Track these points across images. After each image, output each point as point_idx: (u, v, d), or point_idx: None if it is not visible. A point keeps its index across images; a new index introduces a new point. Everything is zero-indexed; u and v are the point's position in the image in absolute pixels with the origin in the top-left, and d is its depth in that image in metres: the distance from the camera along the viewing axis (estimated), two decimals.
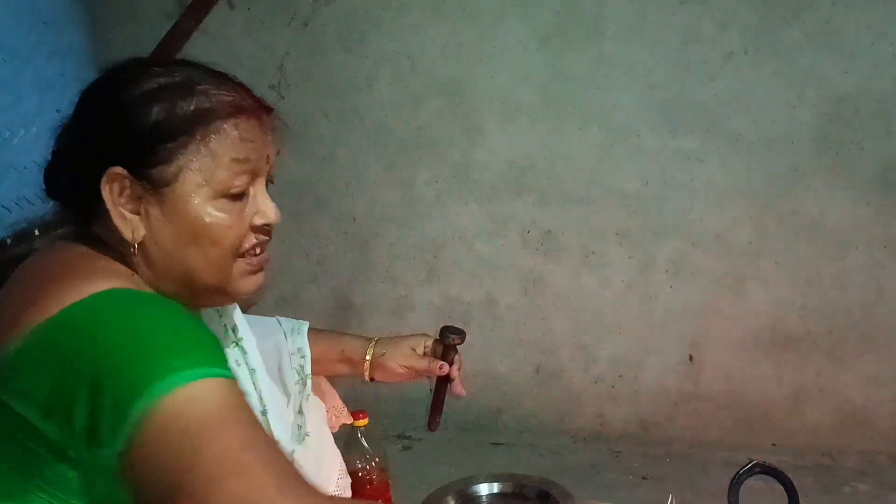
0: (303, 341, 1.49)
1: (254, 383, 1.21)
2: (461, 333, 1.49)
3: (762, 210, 2.68)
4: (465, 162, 2.86)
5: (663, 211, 2.74)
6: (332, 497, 0.79)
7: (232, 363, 1.18)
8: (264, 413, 1.20)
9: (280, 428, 1.22)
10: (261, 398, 1.20)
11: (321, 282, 3.02)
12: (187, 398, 0.79)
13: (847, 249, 2.64)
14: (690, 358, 2.80)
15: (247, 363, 1.21)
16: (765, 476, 1.48)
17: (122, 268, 0.96)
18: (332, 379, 1.63)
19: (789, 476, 1.47)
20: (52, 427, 0.82)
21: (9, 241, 1.03)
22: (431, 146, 2.87)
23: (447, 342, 1.48)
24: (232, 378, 0.84)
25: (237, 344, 1.22)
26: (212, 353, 0.84)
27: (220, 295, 1.03)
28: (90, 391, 0.80)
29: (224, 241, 0.98)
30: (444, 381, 1.49)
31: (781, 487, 1.48)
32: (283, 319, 1.54)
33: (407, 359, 1.48)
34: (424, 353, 1.50)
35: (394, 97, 2.87)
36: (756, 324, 2.73)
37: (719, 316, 2.76)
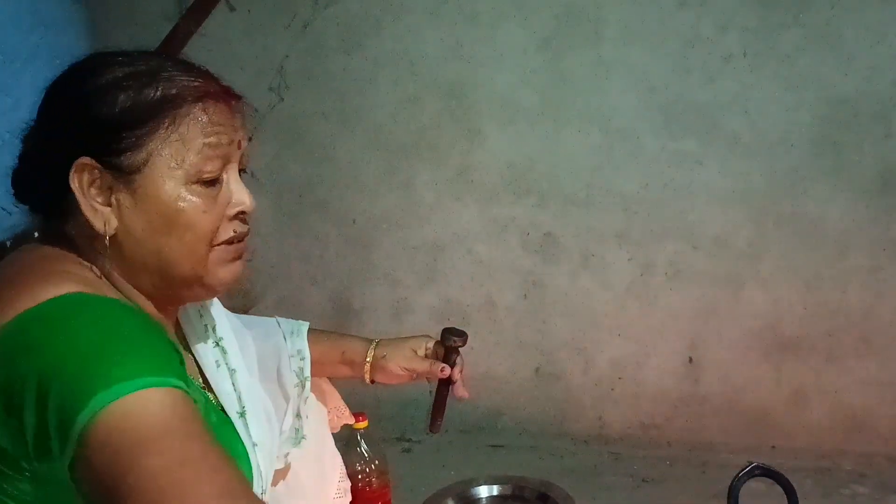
0: (302, 343, 1.47)
1: (233, 384, 1.18)
2: (463, 335, 1.47)
3: (761, 212, 2.68)
4: (464, 164, 2.86)
5: (663, 213, 2.74)
6: None
7: (211, 363, 1.16)
8: (242, 415, 1.16)
9: (261, 430, 1.19)
10: (240, 399, 1.17)
11: (320, 284, 3.02)
12: (126, 411, 0.76)
13: (846, 251, 2.64)
14: (690, 360, 2.80)
15: (227, 363, 1.19)
16: (764, 478, 1.48)
17: (86, 269, 0.94)
18: (332, 380, 1.63)
19: (788, 478, 1.47)
20: (6, 438, 0.81)
21: (8, 243, 1.02)
22: (431, 148, 2.87)
23: (449, 344, 1.47)
24: (178, 387, 0.81)
25: (217, 344, 1.21)
26: (158, 362, 0.82)
27: (199, 286, 1.01)
28: (37, 403, 0.78)
29: (199, 227, 0.96)
30: (445, 384, 1.48)
31: (781, 489, 1.48)
32: (282, 320, 1.52)
33: (408, 361, 1.46)
34: (426, 356, 1.49)
35: (393, 99, 2.87)
36: (755, 326, 2.73)
37: (719, 318, 2.76)
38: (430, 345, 1.49)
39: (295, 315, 1.57)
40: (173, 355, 0.87)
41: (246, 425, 1.16)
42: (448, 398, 1.50)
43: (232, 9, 2.90)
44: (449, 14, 2.78)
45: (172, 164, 0.94)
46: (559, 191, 2.81)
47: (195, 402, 0.85)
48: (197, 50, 2.86)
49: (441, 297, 2.94)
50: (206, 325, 1.21)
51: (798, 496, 1.47)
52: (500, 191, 2.85)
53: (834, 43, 2.54)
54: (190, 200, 0.95)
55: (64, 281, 0.88)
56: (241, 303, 2.79)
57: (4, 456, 0.81)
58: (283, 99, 2.89)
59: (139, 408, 0.77)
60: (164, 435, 0.76)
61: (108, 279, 0.97)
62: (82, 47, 2.78)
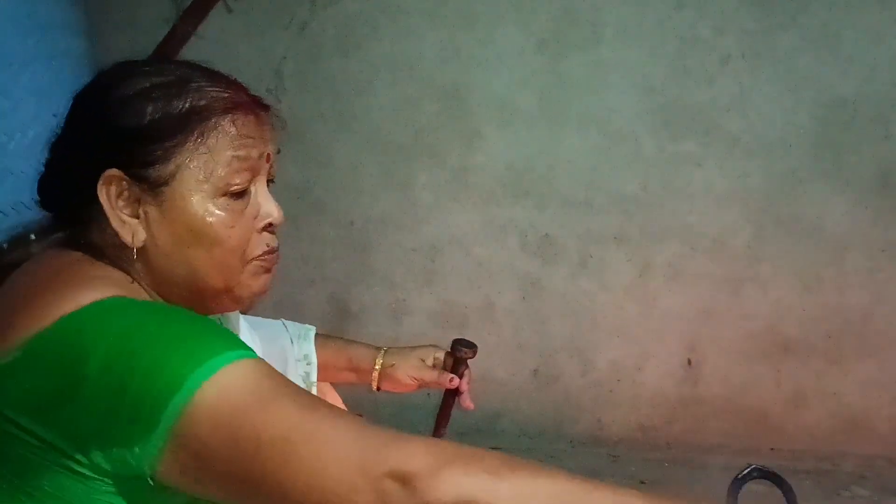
0: (309, 347, 1.47)
1: None
2: (473, 347, 1.47)
3: (760, 214, 2.68)
4: (463, 166, 2.86)
5: (661, 214, 2.74)
6: (401, 435, 0.79)
7: None
8: None
9: None
10: None
11: (319, 286, 3.02)
12: (225, 384, 0.78)
13: (845, 253, 2.64)
14: (689, 362, 2.80)
15: None
16: (764, 480, 1.47)
17: (121, 275, 0.93)
18: (334, 385, 1.62)
19: (788, 480, 1.46)
20: (54, 434, 0.80)
21: (5, 245, 1.01)
22: (429, 150, 2.87)
23: (459, 355, 1.46)
24: (257, 356, 0.83)
25: None
26: (231, 339, 0.84)
27: (228, 298, 1.00)
28: (109, 395, 0.78)
29: (228, 241, 0.95)
30: (451, 394, 1.47)
31: (780, 492, 1.47)
32: (289, 323, 1.51)
33: (416, 370, 1.46)
34: (434, 365, 1.48)
35: (392, 101, 2.86)
36: (754, 327, 2.73)
37: (718, 320, 2.75)
38: (439, 354, 1.49)
39: (293, 317, 1.57)
40: (232, 333, 0.88)
41: None
42: (453, 408, 1.49)
43: (229, 10, 2.90)
44: (447, 16, 2.78)
45: (200, 177, 0.93)
46: (558, 192, 2.80)
47: None
48: (194, 52, 2.85)
49: (439, 299, 2.93)
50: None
51: (798, 498, 1.47)
52: (499, 192, 2.84)
53: (832, 44, 2.54)
54: (217, 214, 0.94)
55: (107, 285, 0.88)
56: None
57: (48, 452, 0.81)
58: (280, 101, 2.88)
59: (240, 376, 0.79)
60: (270, 399, 0.78)
61: (140, 286, 0.96)
62: (80, 50, 2.77)
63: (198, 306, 0.99)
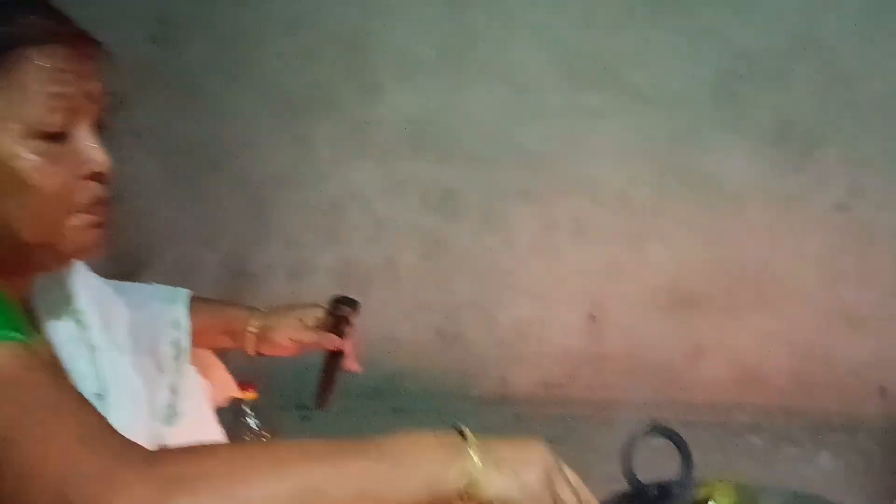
0: (180, 311, 1.36)
1: (92, 362, 1.09)
2: (354, 304, 1.39)
3: (662, 167, 2.68)
4: (363, 120, 2.77)
5: (565, 169, 2.72)
6: (151, 451, 0.72)
7: (64, 341, 1.06)
8: (101, 397, 1.06)
9: (126, 413, 1.09)
10: (97, 379, 1.08)
11: (214, 246, 2.90)
12: None
13: (743, 205, 2.67)
14: (593, 317, 2.80)
15: (85, 340, 1.09)
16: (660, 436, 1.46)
17: None
18: (216, 352, 1.54)
19: (686, 433, 1.46)
20: None
21: None
22: (327, 103, 2.77)
23: (338, 314, 1.39)
24: (20, 340, 0.76)
25: (75, 319, 1.10)
26: None
27: (50, 254, 0.92)
28: None
29: (44, 189, 0.86)
30: (334, 357, 1.40)
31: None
32: (160, 287, 1.41)
33: (295, 332, 1.36)
34: (317, 326, 1.40)
35: (287, 51, 2.75)
36: (657, 282, 2.75)
37: (621, 275, 2.76)
38: (320, 314, 1.41)
39: (187, 279, 1.49)
40: (10, 311, 0.80)
41: (106, 408, 1.06)
42: (339, 371, 1.42)
43: None
44: None
45: (9, 116, 0.84)
46: (460, 147, 2.75)
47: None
48: None
49: (340, 257, 2.86)
50: (64, 298, 1.10)
51: (694, 450, 1.46)
52: (400, 147, 2.78)
53: None
54: (29, 157, 0.85)
55: None
56: (129, 268, 2.65)
57: None
58: (165, 51, 2.74)
59: None
60: (9, 384, 0.71)
61: None
62: None
63: (19, 264, 0.91)
